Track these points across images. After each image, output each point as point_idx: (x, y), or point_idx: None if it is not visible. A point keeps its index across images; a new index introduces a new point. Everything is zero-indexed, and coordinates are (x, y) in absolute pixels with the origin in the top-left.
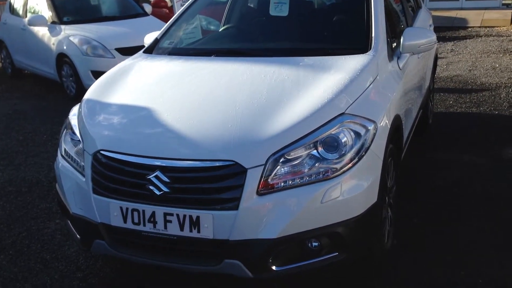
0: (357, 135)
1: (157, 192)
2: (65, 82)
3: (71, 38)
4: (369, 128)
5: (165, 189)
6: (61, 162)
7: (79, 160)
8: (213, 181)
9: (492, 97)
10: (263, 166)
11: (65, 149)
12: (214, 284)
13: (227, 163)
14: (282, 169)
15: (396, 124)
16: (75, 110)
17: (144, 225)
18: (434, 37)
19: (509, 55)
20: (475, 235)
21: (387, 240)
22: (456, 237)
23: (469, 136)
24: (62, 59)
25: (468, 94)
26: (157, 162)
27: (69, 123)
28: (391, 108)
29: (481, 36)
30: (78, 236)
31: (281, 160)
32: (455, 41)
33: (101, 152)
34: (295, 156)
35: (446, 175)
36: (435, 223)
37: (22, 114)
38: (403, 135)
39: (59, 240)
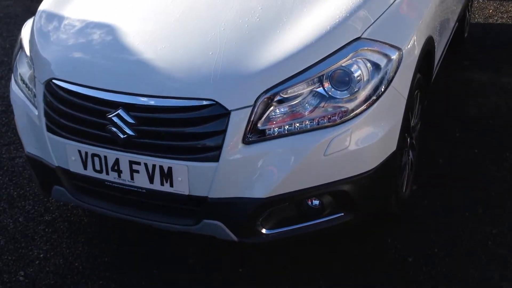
0: (376, 67)
1: (121, 135)
2: None
3: None
4: (392, 57)
5: (129, 132)
6: (14, 89)
7: (32, 88)
8: (188, 125)
9: None
10: (251, 108)
11: (20, 74)
12: None
13: (205, 102)
14: (277, 110)
15: (427, 49)
16: (28, 24)
17: (107, 173)
18: None
19: None
20: None
21: (405, 188)
22: (489, 183)
23: (510, 54)
24: None
25: None
26: (120, 98)
27: (21, 41)
28: (422, 27)
29: None
30: (37, 179)
31: (275, 99)
32: None
33: (54, 81)
34: (294, 94)
35: (480, 102)
36: (464, 165)
37: (13, 18)
38: (435, 59)
39: (30, 174)
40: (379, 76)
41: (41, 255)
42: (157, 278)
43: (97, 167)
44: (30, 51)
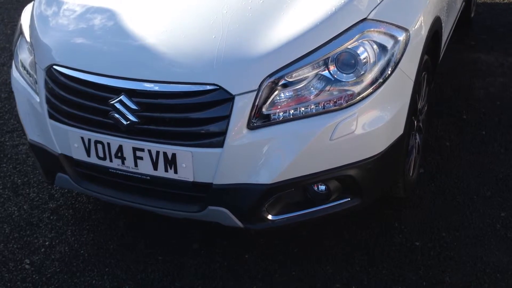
0: (382, 48)
1: (124, 122)
2: None
3: None
4: (399, 38)
5: (132, 118)
6: (15, 75)
7: (33, 74)
8: (191, 110)
9: None
10: (255, 92)
11: (20, 60)
12: None
13: (208, 87)
14: (282, 94)
15: (435, 30)
16: (28, 9)
17: (111, 160)
18: None
19: None
20: None
21: (412, 172)
22: (498, 165)
23: None
24: None
25: None
26: (122, 84)
27: (21, 27)
28: (429, 8)
29: None
30: (40, 167)
31: (280, 83)
32: None
33: (55, 67)
34: (300, 77)
35: (488, 83)
36: (471, 147)
37: (14, 4)
38: (442, 40)
39: (34, 161)
40: (386, 58)
41: (46, 243)
42: (162, 265)
43: (101, 154)
44: (30, 37)
